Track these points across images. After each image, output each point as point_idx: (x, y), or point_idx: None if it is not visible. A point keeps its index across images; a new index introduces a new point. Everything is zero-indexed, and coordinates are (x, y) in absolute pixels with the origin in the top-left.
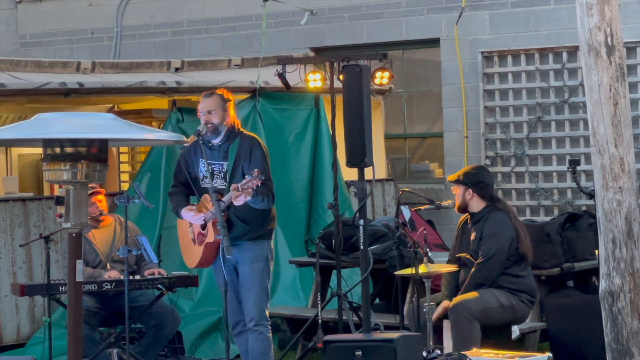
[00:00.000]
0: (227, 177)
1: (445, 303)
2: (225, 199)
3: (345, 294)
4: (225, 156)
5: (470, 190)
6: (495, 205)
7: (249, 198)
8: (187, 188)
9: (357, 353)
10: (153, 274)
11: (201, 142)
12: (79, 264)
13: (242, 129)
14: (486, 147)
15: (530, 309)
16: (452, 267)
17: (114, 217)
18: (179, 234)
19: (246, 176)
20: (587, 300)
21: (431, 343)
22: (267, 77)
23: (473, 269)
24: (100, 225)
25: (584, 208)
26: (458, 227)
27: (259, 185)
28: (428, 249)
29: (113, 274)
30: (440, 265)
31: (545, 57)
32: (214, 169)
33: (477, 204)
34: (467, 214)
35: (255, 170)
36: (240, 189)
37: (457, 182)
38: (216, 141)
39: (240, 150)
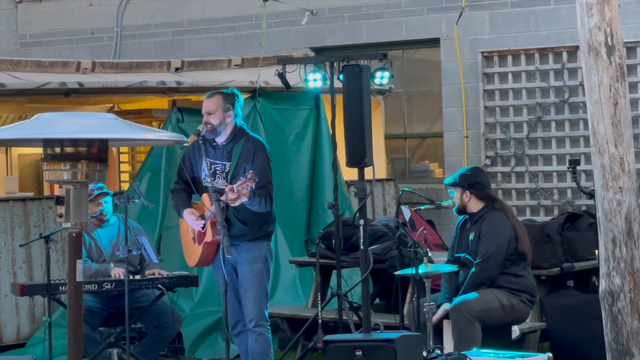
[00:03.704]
0: (229, 177)
1: (446, 306)
2: (223, 198)
3: (345, 294)
4: (229, 156)
5: (468, 192)
6: (493, 205)
7: (245, 200)
8: (189, 186)
9: (357, 353)
10: (154, 274)
11: (201, 142)
12: (79, 264)
13: (248, 130)
14: (486, 147)
15: (530, 308)
16: (452, 268)
17: (119, 217)
18: (181, 232)
19: (241, 178)
20: (587, 300)
21: (431, 343)
22: (267, 77)
23: (472, 269)
24: (105, 225)
25: (584, 208)
26: (457, 228)
27: (253, 187)
28: (428, 249)
29: (120, 271)
30: (440, 266)
31: (545, 57)
32: (217, 168)
33: (475, 205)
34: (466, 214)
35: (250, 172)
36: (235, 190)
37: (453, 184)
38: (220, 141)
39: (243, 151)
